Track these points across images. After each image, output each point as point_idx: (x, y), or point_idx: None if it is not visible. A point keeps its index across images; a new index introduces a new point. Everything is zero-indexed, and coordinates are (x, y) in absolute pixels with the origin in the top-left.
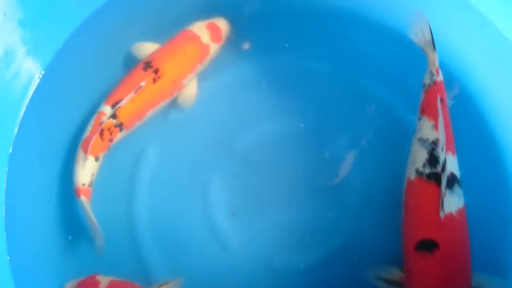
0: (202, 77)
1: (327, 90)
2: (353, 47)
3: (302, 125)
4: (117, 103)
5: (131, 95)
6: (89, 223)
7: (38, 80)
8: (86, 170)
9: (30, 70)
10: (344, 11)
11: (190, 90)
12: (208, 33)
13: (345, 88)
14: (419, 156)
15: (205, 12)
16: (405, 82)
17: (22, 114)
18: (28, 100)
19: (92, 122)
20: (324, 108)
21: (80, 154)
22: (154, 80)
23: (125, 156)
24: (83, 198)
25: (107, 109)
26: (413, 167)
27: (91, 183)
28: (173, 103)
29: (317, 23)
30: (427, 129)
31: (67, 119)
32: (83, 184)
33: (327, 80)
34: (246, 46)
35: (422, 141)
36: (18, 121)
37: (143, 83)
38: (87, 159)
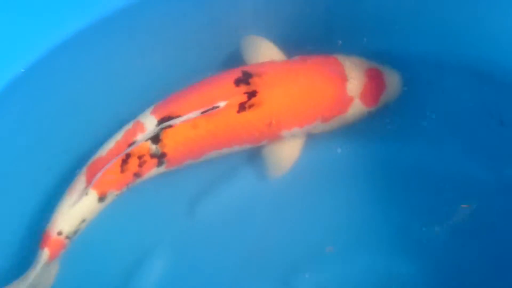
0: None
1: None
2: None
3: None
4: (169, 118)
5: (195, 114)
6: None
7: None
8: (75, 212)
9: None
10: None
11: (291, 150)
12: (362, 82)
13: None
14: None
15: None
16: None
17: None
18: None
19: (117, 138)
20: None
21: (79, 182)
22: (243, 107)
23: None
24: (45, 253)
25: (149, 122)
26: None
27: (74, 234)
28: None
29: None
30: None
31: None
32: (59, 233)
33: None
34: None
35: None
36: None
37: (222, 104)
38: (86, 194)
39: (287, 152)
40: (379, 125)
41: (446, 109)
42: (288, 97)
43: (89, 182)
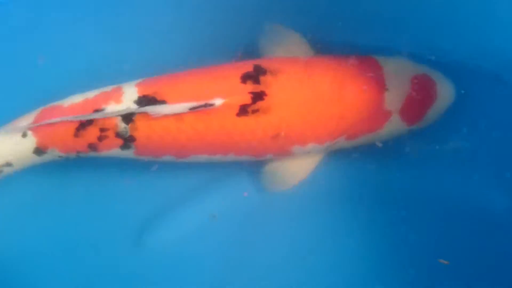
0: None
1: None
2: None
3: None
4: (151, 99)
5: (182, 108)
6: None
7: None
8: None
9: None
10: None
11: (302, 167)
12: (405, 93)
13: None
14: None
15: None
16: None
17: None
18: None
19: (88, 95)
20: None
21: (25, 120)
22: (244, 110)
23: None
24: None
25: (129, 94)
26: None
27: None
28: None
29: None
30: None
31: None
32: None
33: None
34: None
35: None
36: None
37: (218, 101)
38: (24, 135)
39: (295, 169)
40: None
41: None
42: (305, 105)
43: (32, 126)
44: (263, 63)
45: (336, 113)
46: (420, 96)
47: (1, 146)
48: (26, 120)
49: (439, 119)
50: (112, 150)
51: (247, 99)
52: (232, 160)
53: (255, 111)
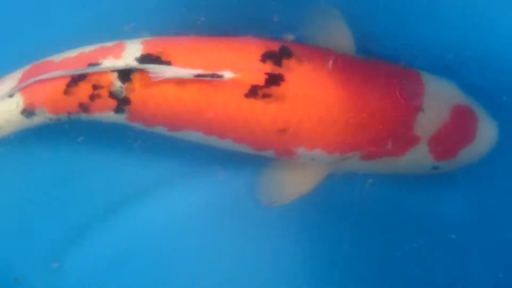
0: None
1: None
2: None
3: None
4: (156, 59)
5: (187, 73)
6: None
7: None
8: None
9: None
10: None
11: (304, 178)
12: (441, 120)
13: None
14: None
15: None
16: None
17: None
18: None
19: (84, 49)
20: None
21: (12, 79)
22: (254, 91)
23: None
24: None
25: (131, 50)
26: None
27: None
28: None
29: None
30: None
31: None
32: None
33: None
34: None
35: None
36: None
37: (228, 75)
38: (11, 95)
39: (296, 179)
40: None
41: None
42: (324, 103)
43: (18, 85)
44: (292, 46)
45: (356, 121)
46: (457, 129)
47: None
48: (13, 79)
49: (472, 164)
50: (105, 112)
51: (260, 80)
52: (228, 147)
53: (266, 96)
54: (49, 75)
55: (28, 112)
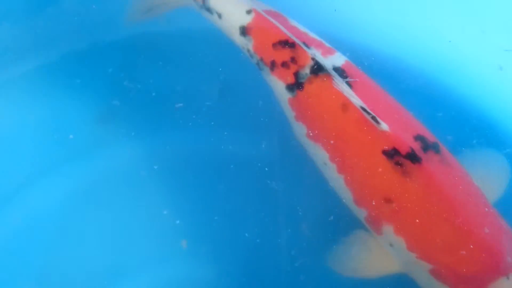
0: None
1: None
2: None
3: None
4: (344, 75)
5: (359, 103)
6: None
7: None
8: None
9: None
10: None
11: (379, 264)
12: None
13: None
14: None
15: None
16: None
17: None
18: None
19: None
20: None
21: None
22: (392, 156)
23: None
24: None
25: (336, 59)
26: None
27: None
28: None
29: None
30: None
31: None
32: None
33: None
34: None
35: None
36: None
37: (384, 126)
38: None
39: (369, 260)
40: None
41: None
42: (435, 207)
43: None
44: (444, 149)
45: (449, 239)
46: None
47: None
48: (252, 1)
49: None
50: (279, 80)
51: (403, 149)
52: (335, 182)
53: (397, 164)
54: (279, 25)
55: (244, 33)
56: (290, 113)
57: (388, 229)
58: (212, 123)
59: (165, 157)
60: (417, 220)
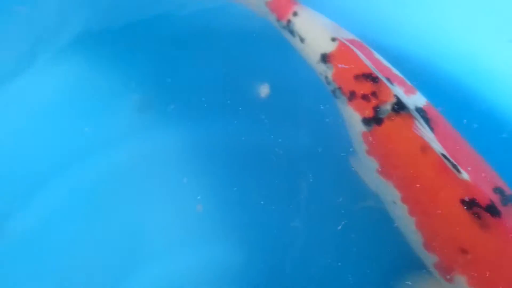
0: None
1: None
2: None
3: None
4: (425, 118)
5: (440, 149)
6: None
7: None
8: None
9: None
10: None
11: None
12: None
13: None
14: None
15: None
16: None
17: None
18: None
19: (391, 68)
20: None
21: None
22: (471, 207)
23: None
24: None
25: (417, 100)
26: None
27: None
28: None
29: None
30: None
31: None
32: None
33: None
34: None
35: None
36: None
37: (464, 175)
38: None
39: None
40: None
41: None
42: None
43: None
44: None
45: None
46: None
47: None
48: (337, 30)
49: None
50: (356, 113)
51: (483, 202)
52: (402, 225)
53: (476, 215)
54: (362, 56)
55: (325, 61)
56: (361, 146)
57: (460, 279)
58: (263, 116)
59: (208, 148)
60: (493, 275)
